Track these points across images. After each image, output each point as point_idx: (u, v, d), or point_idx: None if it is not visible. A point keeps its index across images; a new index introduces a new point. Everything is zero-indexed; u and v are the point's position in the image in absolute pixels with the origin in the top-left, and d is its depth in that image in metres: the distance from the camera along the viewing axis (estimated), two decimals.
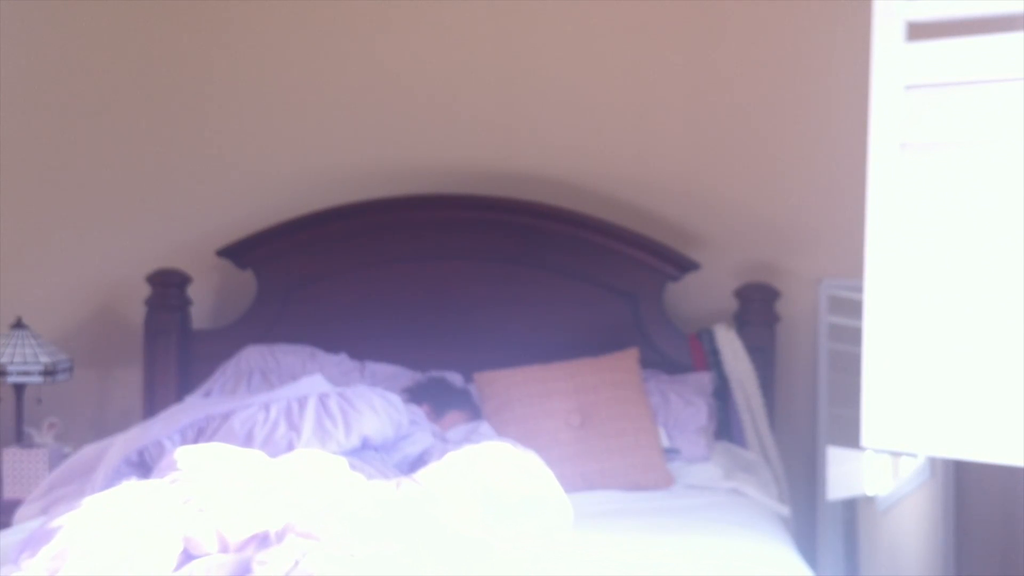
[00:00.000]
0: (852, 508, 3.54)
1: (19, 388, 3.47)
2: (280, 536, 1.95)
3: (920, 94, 2.35)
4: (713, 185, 3.61)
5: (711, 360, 3.40)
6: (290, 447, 2.56)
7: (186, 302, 3.57)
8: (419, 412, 2.96)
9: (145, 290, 3.56)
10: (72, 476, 2.74)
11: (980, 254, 2.30)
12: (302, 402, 2.69)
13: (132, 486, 2.13)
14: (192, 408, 2.75)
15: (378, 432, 2.71)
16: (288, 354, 3.39)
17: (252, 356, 3.39)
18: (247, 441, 2.57)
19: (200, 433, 2.63)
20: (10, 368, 3.38)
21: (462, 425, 3.01)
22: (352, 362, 3.42)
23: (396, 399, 2.83)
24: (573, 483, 2.84)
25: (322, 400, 2.71)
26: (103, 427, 3.60)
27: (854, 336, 2.68)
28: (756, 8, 3.56)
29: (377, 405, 2.74)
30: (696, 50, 3.61)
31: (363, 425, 2.67)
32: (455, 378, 3.35)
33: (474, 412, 3.15)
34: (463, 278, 3.52)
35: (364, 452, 2.67)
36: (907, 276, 2.37)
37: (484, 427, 2.93)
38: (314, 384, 2.78)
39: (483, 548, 2.09)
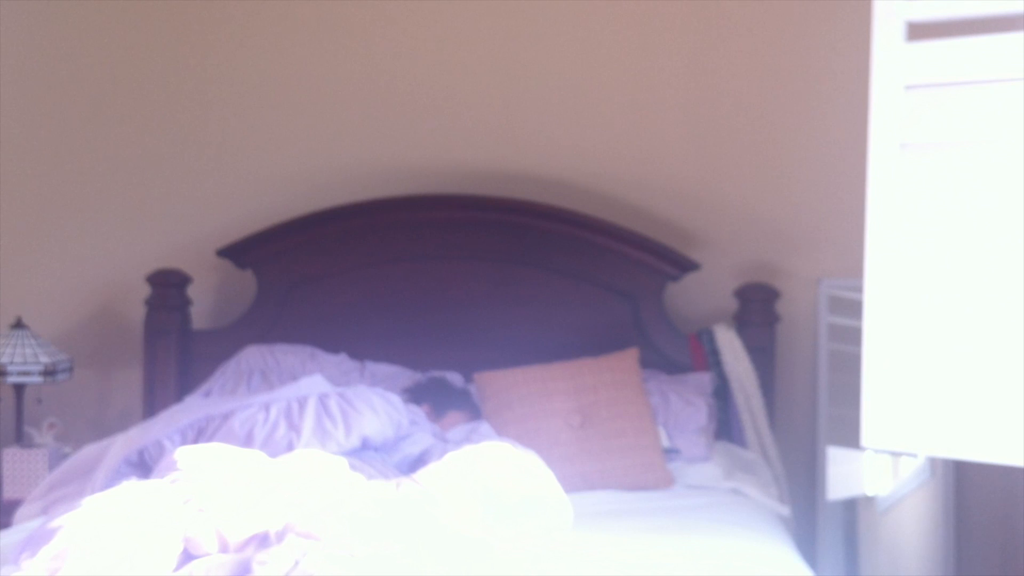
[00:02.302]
0: (852, 508, 3.54)
1: (19, 388, 3.47)
2: (280, 536, 1.95)
3: (920, 94, 2.35)
4: (713, 185, 3.61)
5: (711, 360, 3.40)
6: (290, 447, 2.56)
7: (186, 302, 3.57)
8: (419, 412, 2.96)
9: (145, 290, 3.56)
10: (72, 476, 2.74)
11: (980, 254, 2.30)
12: (302, 402, 2.69)
13: (132, 486, 2.13)
14: (192, 408, 2.75)
15: (378, 433, 2.71)
16: (288, 354, 3.39)
17: (252, 356, 3.39)
18: (247, 441, 2.57)
19: (200, 433, 2.63)
20: (10, 368, 3.38)
21: (462, 425, 3.01)
22: (352, 362, 3.42)
23: (396, 399, 2.83)
24: (573, 483, 2.84)
25: (322, 400, 2.70)
26: (103, 427, 3.60)
27: (854, 336, 2.68)
28: (756, 8, 3.56)
29: (377, 405, 2.74)
30: (696, 50, 3.61)
31: (363, 426, 2.67)
32: (455, 378, 3.35)
33: (474, 412, 3.14)
34: (463, 278, 3.51)
35: (364, 452, 2.67)
36: (907, 276, 2.37)
37: (484, 427, 2.93)
38: (314, 384, 2.77)
39: (483, 548, 2.09)
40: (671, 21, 3.60)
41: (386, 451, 2.75)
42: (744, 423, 3.33)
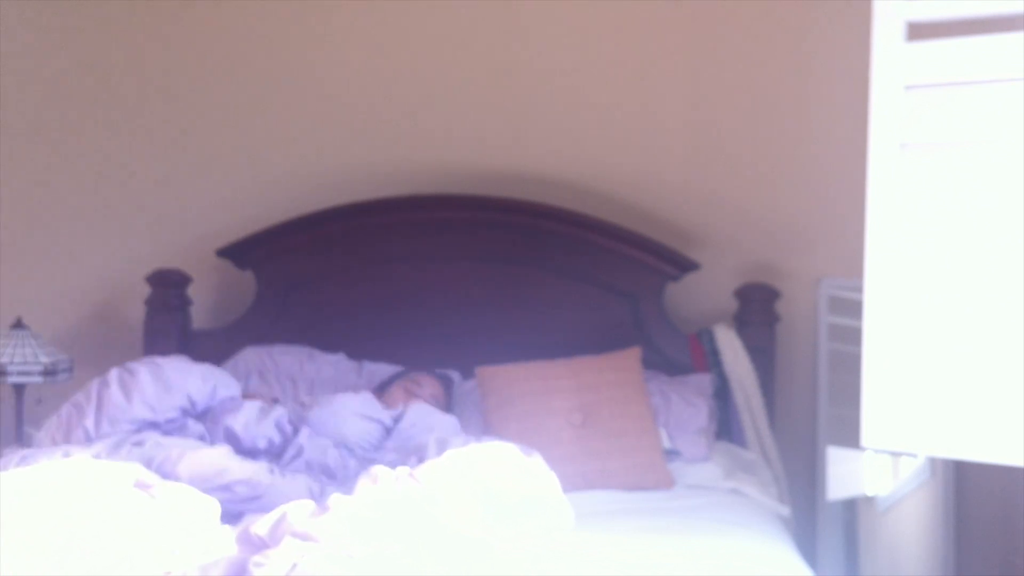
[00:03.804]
0: (852, 508, 3.53)
1: (19, 388, 3.47)
2: (276, 538, 1.95)
3: (920, 94, 2.35)
4: (713, 185, 3.61)
5: (711, 360, 3.39)
6: (88, 439, 2.61)
7: (186, 302, 3.57)
8: (371, 398, 2.99)
9: (145, 290, 3.56)
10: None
11: (980, 254, 2.30)
12: (87, 395, 2.73)
13: None
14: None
15: (194, 392, 2.76)
16: (286, 355, 3.39)
17: (250, 358, 3.39)
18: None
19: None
20: (10, 368, 3.38)
21: (402, 396, 3.06)
22: (350, 362, 3.42)
23: (191, 365, 2.87)
24: (573, 482, 2.83)
25: (101, 388, 2.75)
26: None
27: (854, 336, 2.68)
28: (756, 8, 3.56)
29: (162, 363, 2.79)
30: (696, 50, 3.61)
31: (146, 393, 2.72)
32: (454, 378, 3.35)
33: (410, 376, 3.18)
34: (463, 278, 3.51)
35: (187, 418, 2.75)
36: (907, 276, 2.37)
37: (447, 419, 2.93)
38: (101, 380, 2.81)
39: (483, 548, 2.09)
40: (671, 21, 3.60)
41: (215, 415, 2.76)
42: (744, 423, 3.33)
